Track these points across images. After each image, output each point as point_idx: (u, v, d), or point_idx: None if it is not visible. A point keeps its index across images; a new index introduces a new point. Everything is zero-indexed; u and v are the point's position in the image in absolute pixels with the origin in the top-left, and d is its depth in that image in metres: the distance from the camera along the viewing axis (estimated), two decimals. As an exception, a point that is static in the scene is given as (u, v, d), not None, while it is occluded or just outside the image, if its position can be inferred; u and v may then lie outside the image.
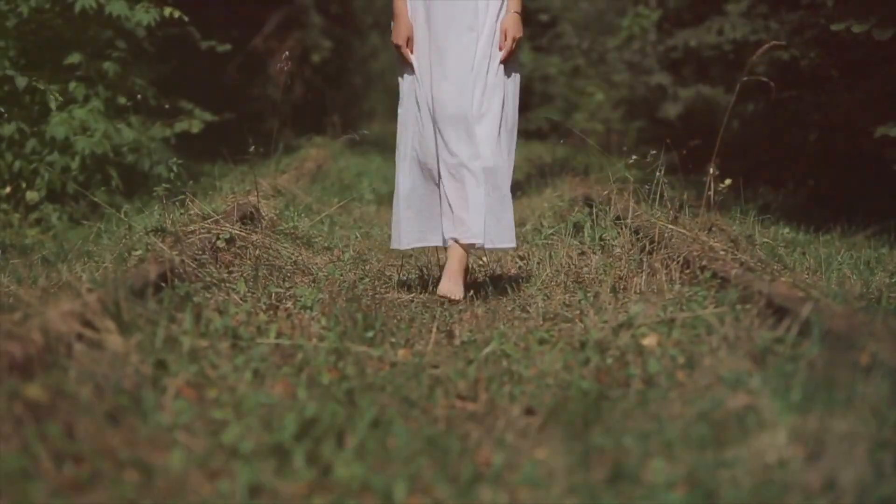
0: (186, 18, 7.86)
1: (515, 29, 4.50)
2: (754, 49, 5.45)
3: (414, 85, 4.57)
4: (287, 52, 5.43)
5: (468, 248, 4.53)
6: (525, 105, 19.30)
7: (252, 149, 5.54)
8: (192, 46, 9.57)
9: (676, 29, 12.27)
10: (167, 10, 7.75)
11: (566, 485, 2.27)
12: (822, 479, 2.20)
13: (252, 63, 15.17)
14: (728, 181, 4.90)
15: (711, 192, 4.79)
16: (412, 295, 4.62)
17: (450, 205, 4.49)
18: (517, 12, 4.52)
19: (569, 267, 4.72)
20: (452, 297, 4.40)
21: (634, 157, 5.68)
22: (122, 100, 7.82)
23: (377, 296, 4.60)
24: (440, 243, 4.64)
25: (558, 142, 12.53)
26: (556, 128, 16.50)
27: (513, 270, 5.09)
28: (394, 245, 4.70)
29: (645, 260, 4.57)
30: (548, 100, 18.24)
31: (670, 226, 4.78)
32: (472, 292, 4.46)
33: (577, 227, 5.50)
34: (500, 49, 4.50)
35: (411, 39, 4.54)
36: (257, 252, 4.93)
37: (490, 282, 4.69)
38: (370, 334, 3.47)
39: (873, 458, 2.24)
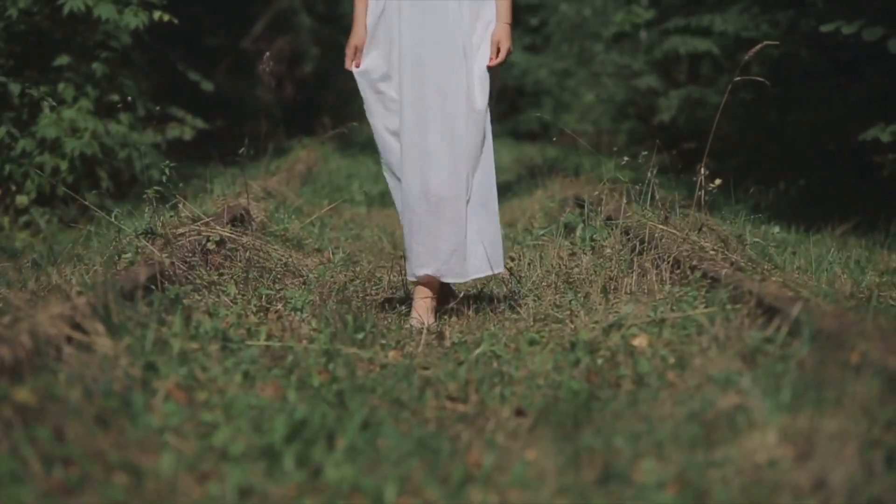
0: (176, 22, 7.82)
1: (508, 40, 4.33)
2: (745, 49, 5.45)
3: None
4: (268, 54, 5.40)
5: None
6: (515, 106, 19.33)
7: (242, 151, 5.53)
8: (180, 49, 9.55)
9: (665, 35, 12.27)
10: (157, 14, 7.72)
11: (556, 485, 2.27)
12: (812, 478, 2.20)
13: (241, 65, 15.16)
14: (718, 181, 4.90)
15: (702, 192, 4.79)
16: (402, 295, 4.62)
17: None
18: (508, 23, 4.35)
19: (559, 268, 4.72)
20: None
21: (626, 158, 5.68)
22: (113, 97, 7.79)
23: (367, 297, 4.59)
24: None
25: (549, 142, 12.53)
26: (546, 129, 16.51)
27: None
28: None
29: (635, 260, 4.57)
30: (538, 101, 18.26)
31: (661, 226, 4.78)
32: (462, 294, 4.45)
33: (568, 228, 5.50)
34: (491, 60, 4.30)
35: (359, 49, 4.24)
36: (248, 254, 4.92)
37: (479, 284, 4.69)
38: (360, 336, 3.46)
39: (863, 458, 2.24)
